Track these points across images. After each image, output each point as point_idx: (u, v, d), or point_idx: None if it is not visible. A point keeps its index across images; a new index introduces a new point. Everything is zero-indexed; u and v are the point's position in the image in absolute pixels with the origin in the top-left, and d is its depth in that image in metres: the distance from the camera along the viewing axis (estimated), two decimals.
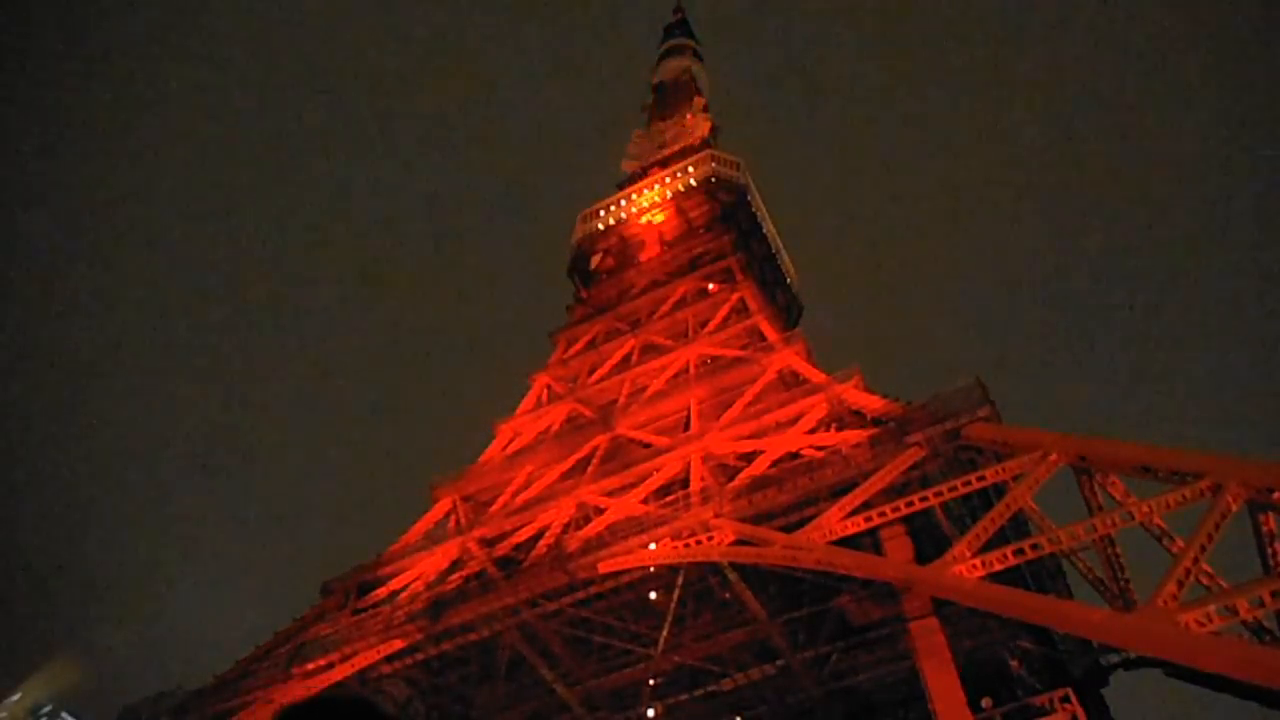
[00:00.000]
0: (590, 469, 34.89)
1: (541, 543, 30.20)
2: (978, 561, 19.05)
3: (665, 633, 27.60)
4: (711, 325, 43.75)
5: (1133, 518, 19.36)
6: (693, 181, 61.21)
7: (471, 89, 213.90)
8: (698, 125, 71.64)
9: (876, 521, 22.71)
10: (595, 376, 45.06)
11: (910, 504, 22.54)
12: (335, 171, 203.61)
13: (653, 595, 29.52)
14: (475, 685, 32.43)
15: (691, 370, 40.06)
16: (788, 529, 24.19)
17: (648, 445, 35.07)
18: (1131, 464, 20.41)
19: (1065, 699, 21.21)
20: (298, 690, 28.04)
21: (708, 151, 63.58)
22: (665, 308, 49.17)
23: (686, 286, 50.31)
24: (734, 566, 26.28)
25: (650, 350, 45.03)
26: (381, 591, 33.26)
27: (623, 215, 62.79)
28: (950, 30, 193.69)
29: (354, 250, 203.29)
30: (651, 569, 27.46)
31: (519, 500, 35.32)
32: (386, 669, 29.74)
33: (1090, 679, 23.98)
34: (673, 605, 27.59)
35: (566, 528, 31.03)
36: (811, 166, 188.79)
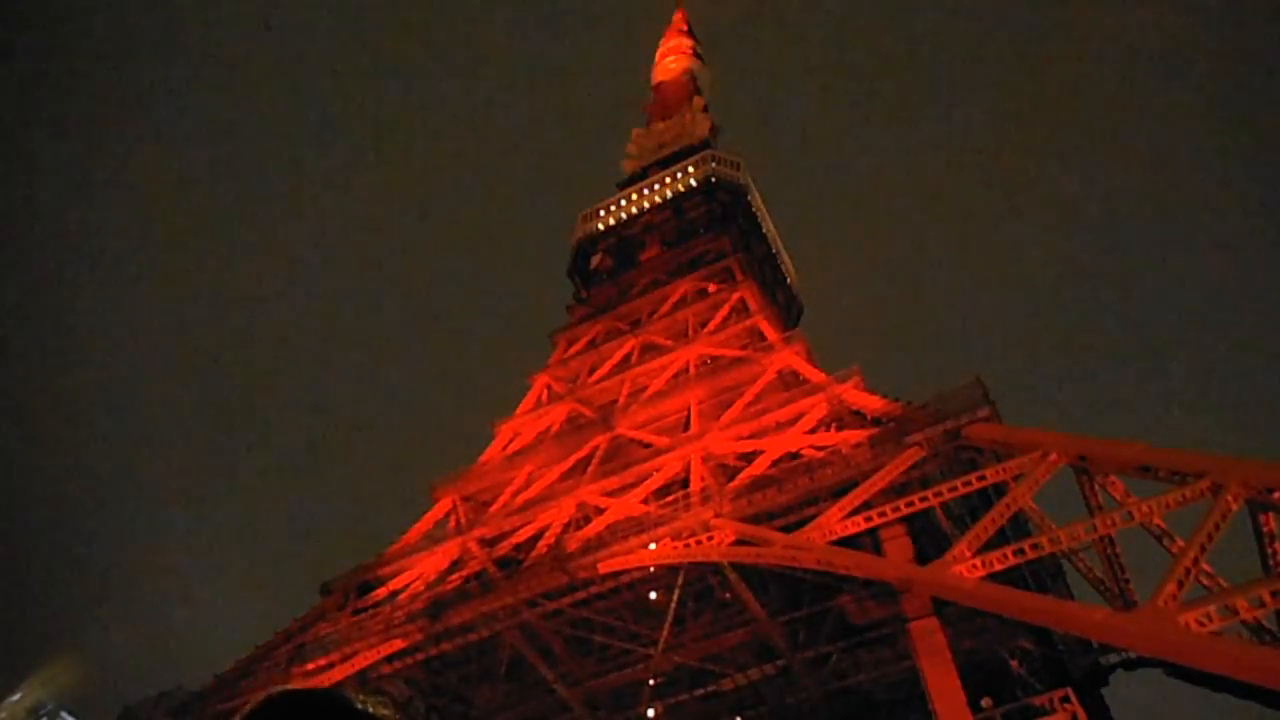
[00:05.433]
0: (590, 469, 34.89)
1: (541, 543, 30.20)
2: (978, 561, 19.06)
3: (665, 633, 27.59)
4: (711, 325, 43.75)
5: (1133, 518, 19.38)
6: (693, 182, 61.22)
7: (470, 88, 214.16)
8: (698, 125, 71.62)
9: (876, 521, 22.73)
10: (595, 376, 45.05)
11: (910, 504, 22.55)
12: (334, 171, 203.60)
13: (653, 595, 29.51)
14: (475, 685, 32.41)
15: (691, 370, 40.06)
16: (788, 529, 24.20)
17: (648, 445, 35.08)
18: (1131, 464, 20.41)
19: (1065, 699, 21.20)
20: None
21: (708, 151, 63.59)
22: (665, 308, 49.15)
23: (686, 286, 50.29)
24: (734, 566, 26.27)
25: (650, 350, 45.02)
26: (381, 591, 33.26)
27: (623, 215, 62.77)
28: (951, 30, 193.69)
29: (353, 249, 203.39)
30: (651, 569, 27.46)
31: (519, 500, 35.33)
32: (386, 669, 29.72)
33: (1090, 679, 23.98)
34: (673, 605, 27.58)
35: (566, 528, 31.03)
36: (811, 166, 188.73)
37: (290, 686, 1.51)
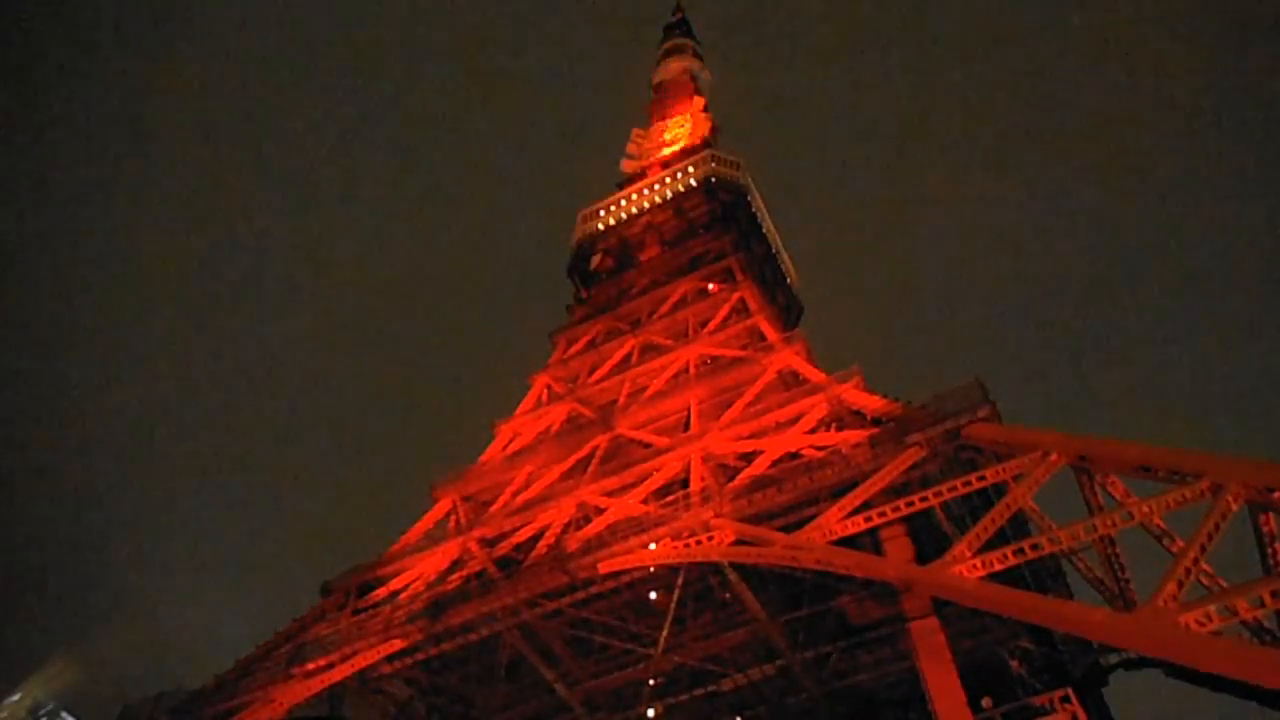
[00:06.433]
0: (590, 469, 34.87)
1: (541, 543, 30.19)
2: (978, 561, 19.03)
3: (665, 633, 27.59)
4: (711, 325, 43.74)
5: (1133, 518, 19.33)
6: (693, 181, 61.18)
7: (471, 89, 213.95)
8: (698, 125, 71.65)
9: (876, 521, 22.70)
10: (595, 376, 45.04)
11: (910, 504, 22.52)
12: (335, 172, 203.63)
13: (653, 595, 29.52)
14: (475, 685, 32.42)
15: (691, 370, 40.04)
16: (788, 529, 24.17)
17: (648, 445, 35.05)
18: (1131, 464, 20.37)
19: (1065, 699, 21.21)
20: (298, 690, 28.03)
21: (708, 151, 63.56)
22: (665, 308, 49.15)
23: (686, 286, 50.29)
24: (734, 566, 26.26)
25: (650, 350, 45.01)
26: (381, 591, 33.24)
27: (623, 215, 62.75)
28: (950, 31, 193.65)
29: (354, 250, 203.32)
30: (651, 569, 27.44)
31: (519, 500, 35.30)
32: (386, 669, 29.73)
33: (1090, 679, 23.98)
34: (673, 605, 27.58)
35: (566, 528, 31.01)
36: (812, 166, 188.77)
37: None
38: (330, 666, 28.28)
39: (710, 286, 49.38)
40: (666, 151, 69.42)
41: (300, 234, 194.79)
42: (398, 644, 28.13)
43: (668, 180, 62.91)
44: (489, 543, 33.22)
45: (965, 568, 19.00)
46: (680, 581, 27.62)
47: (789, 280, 62.11)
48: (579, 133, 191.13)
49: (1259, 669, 14.13)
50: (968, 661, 23.38)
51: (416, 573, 33.23)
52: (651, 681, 29.53)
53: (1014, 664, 24.81)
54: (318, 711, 29.60)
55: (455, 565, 32.88)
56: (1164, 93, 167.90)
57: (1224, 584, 18.20)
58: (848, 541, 22.72)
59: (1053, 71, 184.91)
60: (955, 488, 22.44)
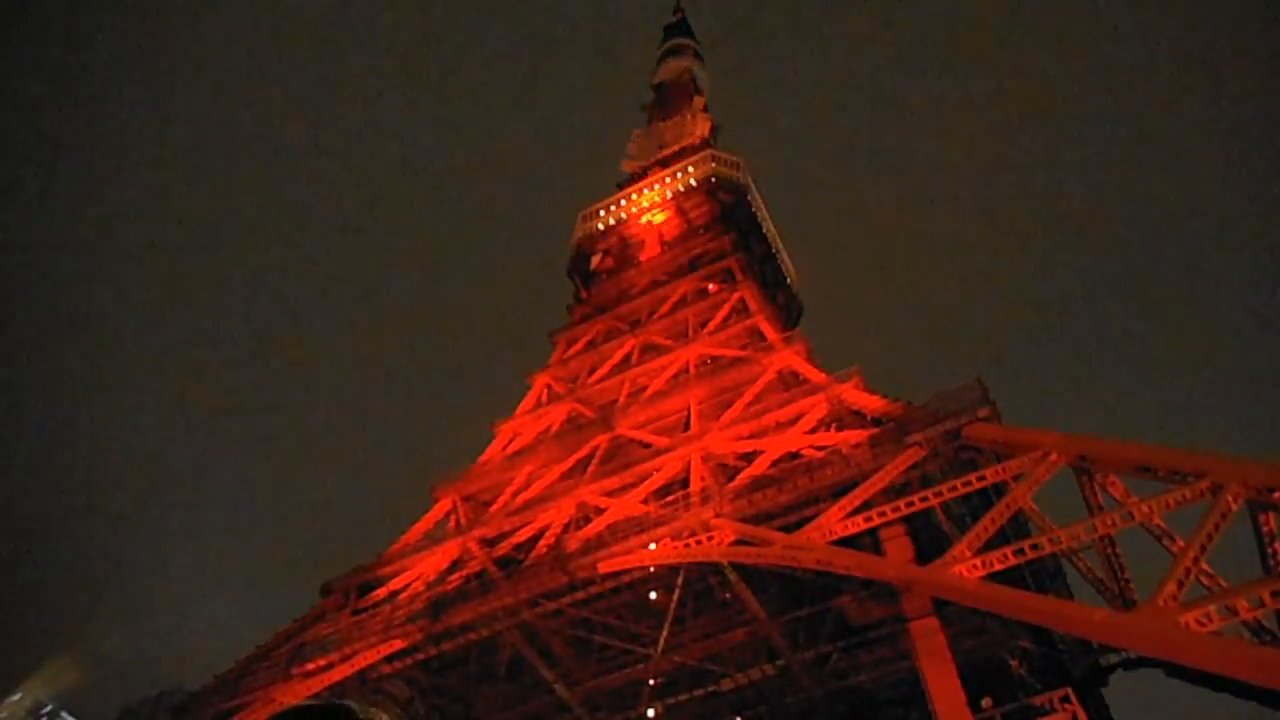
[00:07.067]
0: (590, 469, 34.89)
1: (541, 543, 30.20)
2: (978, 561, 19.04)
3: (665, 633, 27.57)
4: (711, 325, 43.75)
5: (1133, 518, 19.35)
6: (693, 181, 61.16)
7: (471, 88, 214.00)
8: (698, 125, 71.58)
9: (876, 521, 22.71)
10: (595, 376, 45.05)
11: (910, 504, 22.53)
12: (334, 171, 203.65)
13: (653, 595, 29.49)
14: (475, 685, 32.40)
15: (691, 370, 40.05)
16: (788, 529, 24.19)
17: (648, 445, 35.06)
18: (1131, 464, 20.39)
19: (1065, 699, 21.20)
20: (298, 690, 28.04)
21: (708, 151, 63.53)
22: (665, 308, 49.16)
23: (686, 286, 50.30)
24: (734, 566, 26.25)
25: (650, 350, 45.03)
26: (381, 591, 33.26)
27: (623, 215, 62.75)
28: (951, 31, 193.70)
29: (354, 250, 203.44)
30: (651, 569, 27.43)
31: (519, 500, 35.32)
32: (386, 669, 29.72)
33: (1090, 679, 23.98)
34: (673, 605, 27.56)
35: (566, 528, 31.02)
36: (811, 166, 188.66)
37: (293, 704, 1.53)
38: (330, 666, 28.30)
39: (710, 286, 49.39)
40: (666, 151, 69.38)
41: (298, 234, 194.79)
42: (398, 644, 28.14)
43: (668, 180, 62.90)
44: (489, 543, 33.23)
45: (965, 568, 19.01)
46: (680, 581, 27.60)
47: (789, 280, 62.09)
48: (579, 132, 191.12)
49: (1259, 669, 14.15)
50: (968, 661, 23.38)
51: (416, 573, 33.24)
52: (651, 681, 29.50)
53: (1014, 664, 24.80)
54: None
55: (455, 565, 32.90)
56: (1165, 91, 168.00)
57: (1224, 584, 18.20)
58: (848, 541, 22.73)
59: (1054, 72, 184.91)
60: (955, 488, 22.46)
